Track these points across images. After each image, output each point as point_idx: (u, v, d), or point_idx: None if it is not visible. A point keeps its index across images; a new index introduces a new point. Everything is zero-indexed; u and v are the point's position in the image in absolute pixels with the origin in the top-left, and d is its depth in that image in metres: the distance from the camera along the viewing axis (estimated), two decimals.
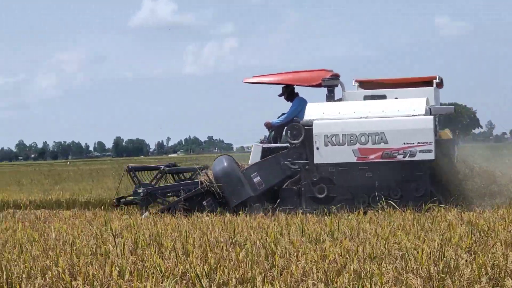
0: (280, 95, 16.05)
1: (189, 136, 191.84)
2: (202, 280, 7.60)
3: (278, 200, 14.82)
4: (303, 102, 15.68)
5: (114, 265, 8.35)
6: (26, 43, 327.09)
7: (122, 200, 15.53)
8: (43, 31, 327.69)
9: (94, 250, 9.71)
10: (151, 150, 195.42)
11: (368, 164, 14.48)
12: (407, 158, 14.33)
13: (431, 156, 14.28)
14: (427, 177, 14.43)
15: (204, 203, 14.87)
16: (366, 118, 14.59)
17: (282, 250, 9.17)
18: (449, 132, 16.30)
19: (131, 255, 9.24)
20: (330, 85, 15.55)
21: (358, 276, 7.58)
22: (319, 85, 15.65)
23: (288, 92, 15.98)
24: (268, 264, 8.38)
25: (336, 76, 15.76)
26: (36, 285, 7.81)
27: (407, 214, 12.88)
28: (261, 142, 15.84)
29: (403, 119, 14.45)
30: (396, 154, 14.37)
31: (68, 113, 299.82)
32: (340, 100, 15.69)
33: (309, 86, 15.97)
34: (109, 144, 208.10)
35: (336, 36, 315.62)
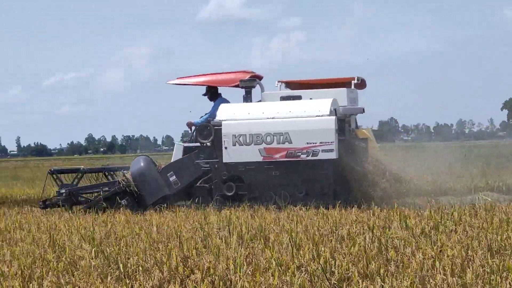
0: (203, 95, 16.61)
1: None
2: (326, 275, 7.54)
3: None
4: (225, 103, 16.22)
5: (228, 258, 8.40)
6: (95, 39, 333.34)
7: (48, 202, 16.21)
8: (112, 26, 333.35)
9: (205, 243, 9.68)
10: None
11: (274, 163, 14.95)
12: (310, 158, 14.74)
13: (333, 155, 14.66)
14: (330, 176, 14.82)
15: (122, 202, 15.50)
16: (272, 118, 15.05)
17: (396, 244, 9.08)
18: (368, 132, 16.63)
19: (240, 248, 9.15)
20: (247, 86, 16.07)
21: (491, 270, 7.51)
22: (237, 86, 16.18)
23: (211, 93, 16.53)
24: (383, 259, 8.28)
25: (255, 78, 16.26)
26: (155, 278, 7.81)
27: (510, 208, 12.81)
28: (184, 142, 16.43)
29: (306, 119, 14.87)
30: (300, 154, 14.79)
31: (136, 107, 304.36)
32: (260, 101, 16.21)
33: (229, 86, 16.48)
34: (177, 138, 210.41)
35: (404, 30, 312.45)
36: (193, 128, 16.24)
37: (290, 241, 9.35)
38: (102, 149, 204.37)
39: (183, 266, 8.19)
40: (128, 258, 8.73)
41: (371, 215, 12.16)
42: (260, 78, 16.64)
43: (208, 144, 15.44)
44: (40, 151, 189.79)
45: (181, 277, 7.83)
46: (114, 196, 15.61)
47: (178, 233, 10.62)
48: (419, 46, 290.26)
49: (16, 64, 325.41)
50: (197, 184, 15.53)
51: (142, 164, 15.73)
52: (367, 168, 15.18)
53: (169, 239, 10.35)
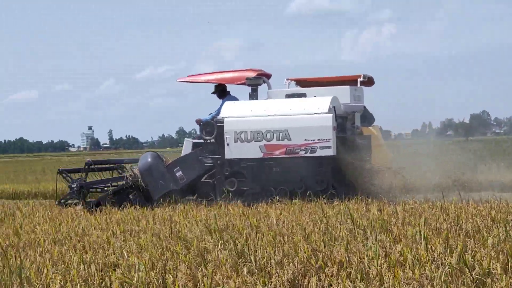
0: (212, 93, 17.03)
1: None
2: (469, 269, 7.35)
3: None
4: (233, 100, 16.61)
5: (359, 251, 8.30)
6: (187, 32, 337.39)
7: (63, 200, 16.79)
8: (203, 20, 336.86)
9: (329, 236, 9.51)
10: None
11: (274, 159, 15.30)
12: (308, 154, 15.05)
13: (330, 152, 14.94)
14: (328, 172, 15.11)
15: (130, 196, 16.04)
16: (273, 116, 15.39)
17: None
18: (374, 129, 16.84)
19: (368, 241, 9.03)
20: (253, 84, 16.43)
21: None
22: (244, 84, 16.56)
23: (220, 91, 16.93)
24: None
25: (262, 76, 16.61)
26: (290, 271, 7.69)
27: None
28: (194, 138, 16.89)
29: (305, 117, 15.17)
30: (299, 150, 15.12)
31: None
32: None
33: (236, 84, 16.85)
34: None
35: (497, 23, 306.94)
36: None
37: (418, 235, 9.03)
38: None
39: (314, 258, 8.08)
40: (256, 251, 8.64)
41: (490, 208, 11.66)
42: (268, 76, 16.99)
43: (212, 140, 15.84)
44: (131, 143, 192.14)
45: (315, 270, 7.74)
46: (123, 191, 16.16)
47: (301, 226, 10.55)
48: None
49: (110, 58, 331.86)
50: (202, 180, 15.96)
51: (149, 159, 16.23)
52: (366, 164, 15.39)
53: (290, 231, 10.26)
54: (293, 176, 15.24)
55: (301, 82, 17.23)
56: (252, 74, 16.54)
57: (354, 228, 9.92)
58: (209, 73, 17.23)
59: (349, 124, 16.15)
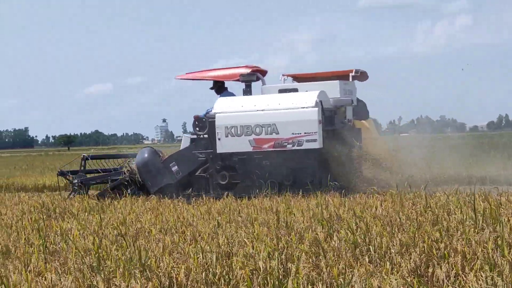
0: (211, 89, 17.51)
1: (421, 116, 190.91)
2: None
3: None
4: (230, 96, 17.08)
5: (481, 241, 8.19)
6: (259, 25, 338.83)
7: (70, 195, 17.34)
8: (275, 12, 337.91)
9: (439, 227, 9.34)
10: (383, 129, 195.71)
11: (263, 153, 15.71)
12: (295, 147, 15.43)
13: (316, 145, 15.31)
14: (315, 165, 15.46)
15: (128, 191, 16.64)
16: (262, 110, 15.80)
17: None
18: (368, 123, 17.15)
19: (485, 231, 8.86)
20: (247, 80, 16.90)
21: None
22: (238, 80, 17.03)
23: (217, 87, 17.42)
24: None
25: (256, 72, 17.04)
26: (412, 260, 7.65)
27: None
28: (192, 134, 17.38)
29: (292, 111, 15.55)
30: (286, 144, 15.50)
31: None
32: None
33: (232, 81, 17.31)
34: None
35: None
36: None
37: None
38: None
39: (436, 248, 8.01)
40: (370, 241, 8.63)
41: None
42: (263, 72, 17.40)
43: (205, 135, 16.32)
44: None
45: (437, 260, 7.65)
46: (121, 186, 16.76)
47: (408, 216, 10.51)
48: None
49: (183, 50, 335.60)
50: (196, 174, 16.46)
51: (146, 155, 16.80)
52: (352, 156, 15.69)
53: (399, 221, 10.20)
54: (281, 169, 15.62)
55: (297, 78, 17.63)
56: (246, 71, 16.98)
57: (464, 219, 9.81)
58: (206, 70, 17.72)
59: (340, 118, 16.46)
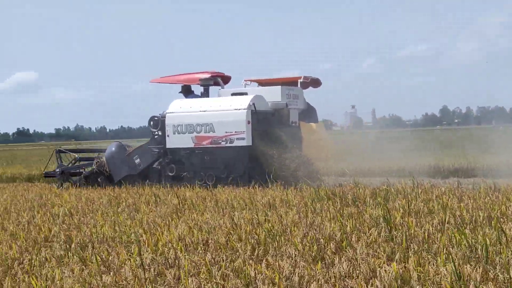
0: (179, 92, 19.72)
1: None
2: None
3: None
4: (194, 98, 19.26)
5: None
6: (448, 9, 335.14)
7: (58, 185, 20.01)
8: None
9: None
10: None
11: (202, 148, 17.80)
12: (228, 144, 17.44)
13: (245, 142, 17.25)
14: (245, 160, 17.40)
15: (99, 179, 19.13)
16: (204, 111, 17.88)
17: None
18: (316, 125, 18.91)
19: None
20: (204, 84, 19.05)
21: None
22: (198, 84, 19.19)
23: (184, 90, 19.62)
24: None
25: (215, 77, 19.14)
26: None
27: None
28: None
29: (226, 112, 17.55)
30: (221, 141, 17.53)
31: (490, 78, 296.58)
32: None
33: (194, 84, 19.44)
34: None
35: None
36: None
37: None
38: (456, 121, 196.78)
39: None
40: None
41: None
42: (223, 77, 19.44)
43: (159, 132, 18.57)
44: (394, 122, 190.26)
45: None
46: (93, 175, 19.25)
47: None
48: None
49: (371, 36, 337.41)
50: (153, 166, 18.73)
51: (113, 149, 19.22)
52: (281, 153, 17.45)
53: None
54: (218, 163, 17.65)
55: (260, 82, 19.59)
56: (205, 76, 19.10)
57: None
58: (176, 75, 19.92)
59: (284, 120, 18.27)
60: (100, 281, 7.09)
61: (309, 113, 19.24)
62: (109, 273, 7.37)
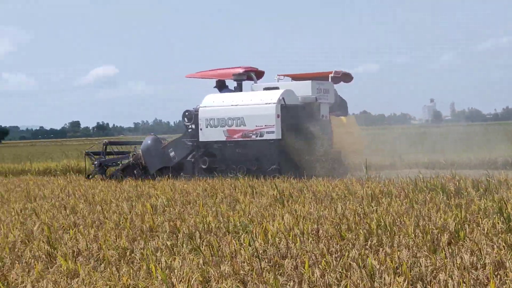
0: (214, 87, 20.17)
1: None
2: None
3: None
4: (228, 92, 19.71)
5: None
6: None
7: (90, 175, 20.70)
8: None
9: None
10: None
11: (233, 142, 18.24)
12: (258, 138, 17.86)
13: (274, 136, 17.64)
14: (275, 153, 17.78)
15: (135, 172, 19.71)
16: (234, 105, 18.31)
17: None
18: (347, 118, 19.23)
19: None
20: (238, 79, 19.48)
21: None
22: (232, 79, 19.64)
23: (219, 85, 20.07)
24: None
25: (248, 72, 19.56)
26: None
27: None
28: None
29: (256, 106, 17.96)
30: (251, 135, 17.95)
31: None
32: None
33: (228, 79, 19.88)
34: None
35: None
36: None
37: None
38: None
39: None
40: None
41: None
42: (257, 72, 19.85)
43: (192, 126, 19.05)
44: (474, 115, 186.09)
45: None
46: (129, 167, 19.83)
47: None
48: None
49: (450, 28, 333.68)
50: (187, 159, 19.23)
51: (149, 142, 19.76)
52: (309, 146, 17.79)
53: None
54: (249, 156, 18.08)
55: (292, 77, 19.96)
56: (239, 71, 19.53)
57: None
58: (211, 70, 20.37)
59: (314, 114, 18.61)
60: (217, 270, 7.11)
61: (340, 107, 19.55)
62: (226, 263, 7.40)
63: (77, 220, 11.18)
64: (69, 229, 10.15)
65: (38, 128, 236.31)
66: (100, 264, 7.92)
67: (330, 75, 19.23)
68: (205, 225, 9.77)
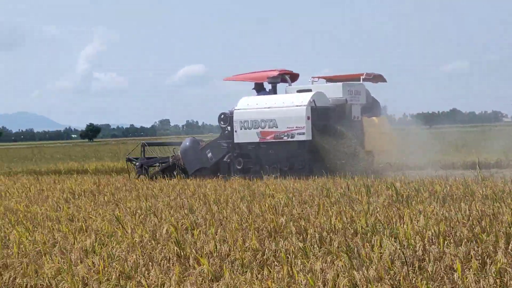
0: (253, 89, 20.78)
1: None
2: None
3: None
4: (265, 94, 20.33)
5: None
6: None
7: (136, 176, 21.45)
8: None
9: None
10: None
11: (266, 143, 18.86)
12: (289, 139, 18.45)
13: (304, 137, 18.21)
14: (305, 153, 18.35)
15: (174, 172, 20.47)
16: (267, 108, 18.92)
17: None
18: (379, 119, 19.66)
19: None
20: (272, 82, 20.10)
21: None
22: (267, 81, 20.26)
23: (257, 87, 20.69)
24: None
25: (283, 75, 20.16)
26: None
27: None
28: None
29: (287, 108, 18.55)
30: (283, 136, 18.56)
31: None
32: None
33: (263, 82, 20.48)
34: None
35: None
36: None
37: None
38: None
39: None
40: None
41: None
42: (292, 75, 20.43)
43: (228, 128, 19.72)
44: None
45: None
46: (169, 168, 20.61)
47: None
48: None
49: None
50: (224, 160, 19.90)
51: (188, 143, 20.51)
52: (339, 146, 18.29)
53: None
54: (281, 157, 18.68)
55: (326, 79, 20.49)
56: (273, 74, 20.14)
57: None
58: (249, 73, 21.02)
59: (346, 114, 19.10)
60: (364, 274, 6.82)
61: (372, 107, 19.99)
62: (371, 266, 7.11)
63: (197, 220, 10.76)
64: (193, 230, 9.82)
65: (128, 126, 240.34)
66: (238, 267, 7.63)
67: (361, 77, 19.69)
68: (332, 226, 9.44)
